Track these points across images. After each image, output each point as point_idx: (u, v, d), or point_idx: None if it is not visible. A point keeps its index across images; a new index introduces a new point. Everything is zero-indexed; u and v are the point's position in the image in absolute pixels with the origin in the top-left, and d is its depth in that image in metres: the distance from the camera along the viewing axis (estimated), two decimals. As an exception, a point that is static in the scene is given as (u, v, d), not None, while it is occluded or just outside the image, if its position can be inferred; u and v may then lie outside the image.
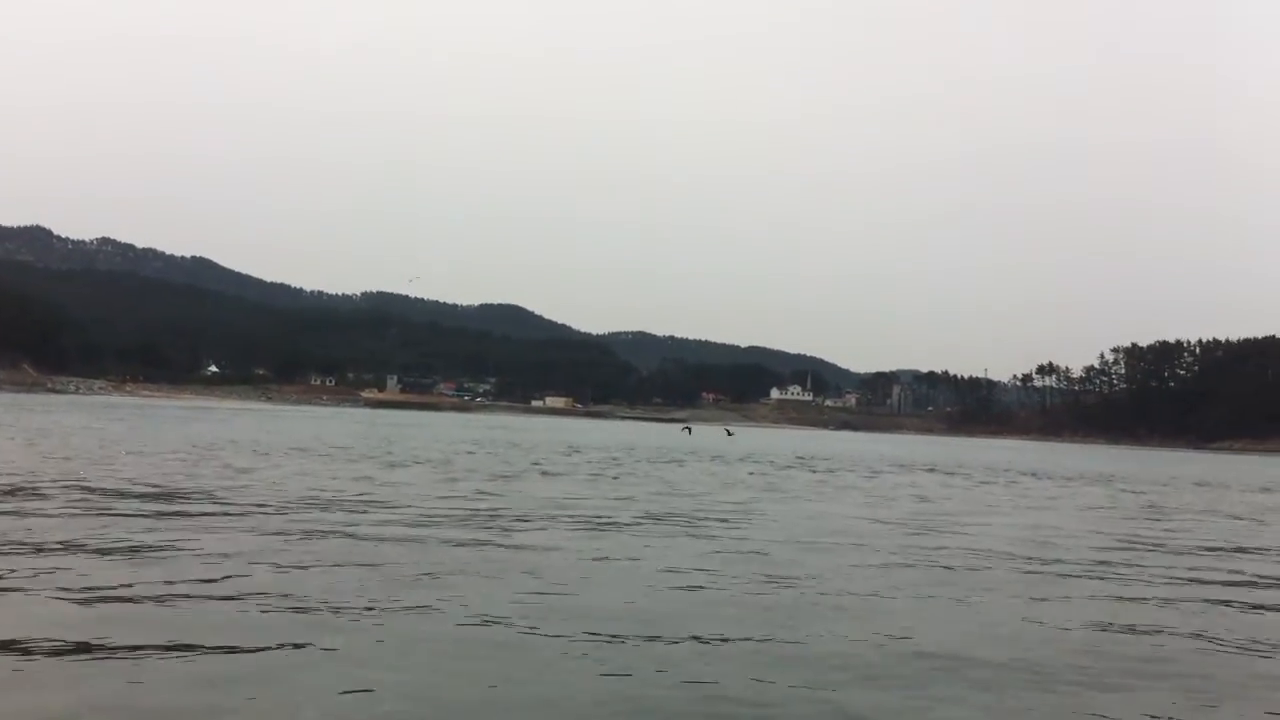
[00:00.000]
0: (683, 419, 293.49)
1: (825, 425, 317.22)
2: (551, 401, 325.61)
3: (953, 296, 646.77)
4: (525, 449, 63.37)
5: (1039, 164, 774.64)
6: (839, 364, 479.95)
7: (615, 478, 39.96)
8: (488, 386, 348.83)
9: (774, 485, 40.43)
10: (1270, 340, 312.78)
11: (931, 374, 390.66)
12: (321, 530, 19.31)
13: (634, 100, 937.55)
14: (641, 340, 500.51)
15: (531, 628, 12.06)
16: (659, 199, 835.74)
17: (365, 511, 22.92)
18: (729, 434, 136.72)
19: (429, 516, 22.51)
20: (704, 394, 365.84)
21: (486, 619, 12.36)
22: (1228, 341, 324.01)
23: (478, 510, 24.48)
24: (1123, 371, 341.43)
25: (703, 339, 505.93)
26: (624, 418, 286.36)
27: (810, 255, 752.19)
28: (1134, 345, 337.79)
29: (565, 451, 62.84)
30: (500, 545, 18.67)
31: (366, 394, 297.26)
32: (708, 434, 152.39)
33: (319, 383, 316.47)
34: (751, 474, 47.83)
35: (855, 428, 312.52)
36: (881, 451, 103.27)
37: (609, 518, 24.37)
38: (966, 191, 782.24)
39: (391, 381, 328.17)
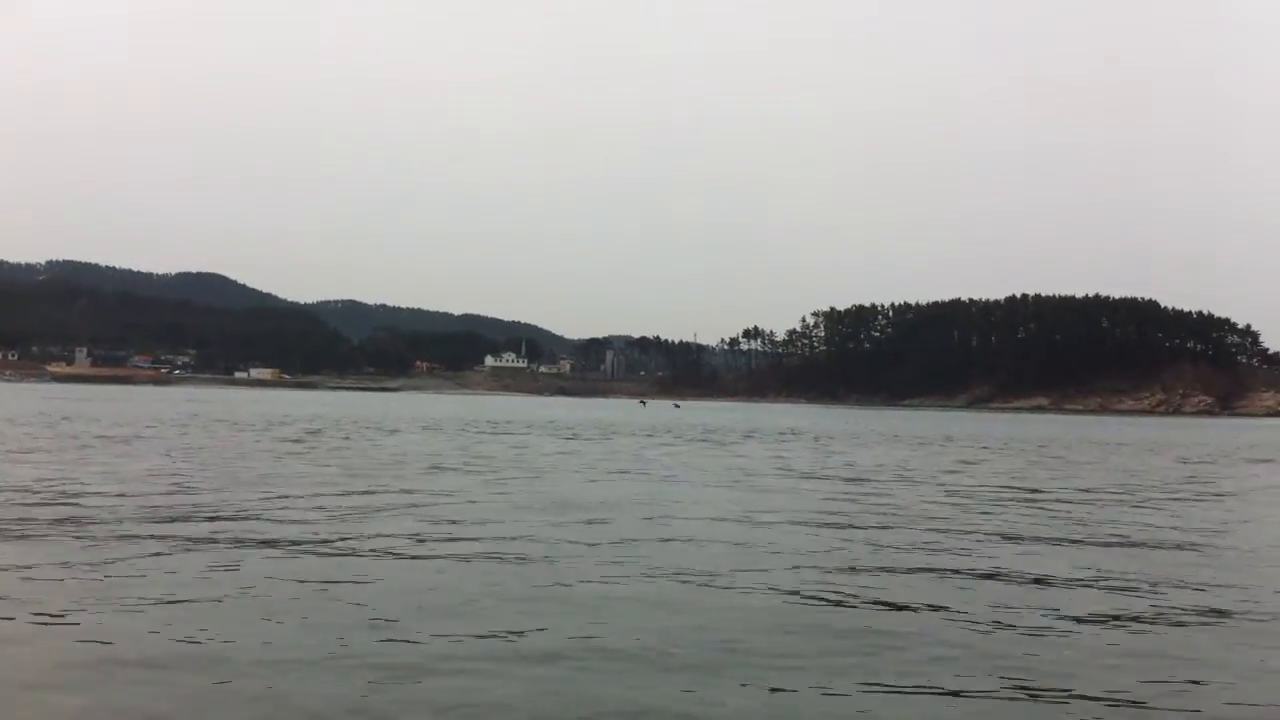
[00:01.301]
0: (396, 388, 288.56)
1: (541, 392, 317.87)
2: (257, 373, 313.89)
3: (663, 262, 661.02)
4: (221, 423, 59.48)
5: (745, 137, 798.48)
6: (554, 331, 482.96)
7: (305, 452, 37.40)
8: (187, 359, 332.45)
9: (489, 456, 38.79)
10: (956, 303, 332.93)
11: (644, 339, 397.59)
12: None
13: (345, 60, 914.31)
14: (352, 309, 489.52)
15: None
16: (364, 157, 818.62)
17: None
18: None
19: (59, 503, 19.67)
20: (418, 363, 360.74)
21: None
22: (918, 305, 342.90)
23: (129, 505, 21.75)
24: (823, 334, 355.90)
25: (416, 307, 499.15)
26: (335, 388, 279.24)
27: (523, 220, 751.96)
28: (833, 309, 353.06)
29: (273, 423, 59.32)
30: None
31: (54, 368, 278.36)
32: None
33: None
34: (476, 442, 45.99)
35: (570, 394, 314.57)
36: (596, 417, 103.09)
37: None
38: (676, 159, 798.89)
39: (81, 355, 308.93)
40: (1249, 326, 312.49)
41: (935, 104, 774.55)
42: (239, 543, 15.30)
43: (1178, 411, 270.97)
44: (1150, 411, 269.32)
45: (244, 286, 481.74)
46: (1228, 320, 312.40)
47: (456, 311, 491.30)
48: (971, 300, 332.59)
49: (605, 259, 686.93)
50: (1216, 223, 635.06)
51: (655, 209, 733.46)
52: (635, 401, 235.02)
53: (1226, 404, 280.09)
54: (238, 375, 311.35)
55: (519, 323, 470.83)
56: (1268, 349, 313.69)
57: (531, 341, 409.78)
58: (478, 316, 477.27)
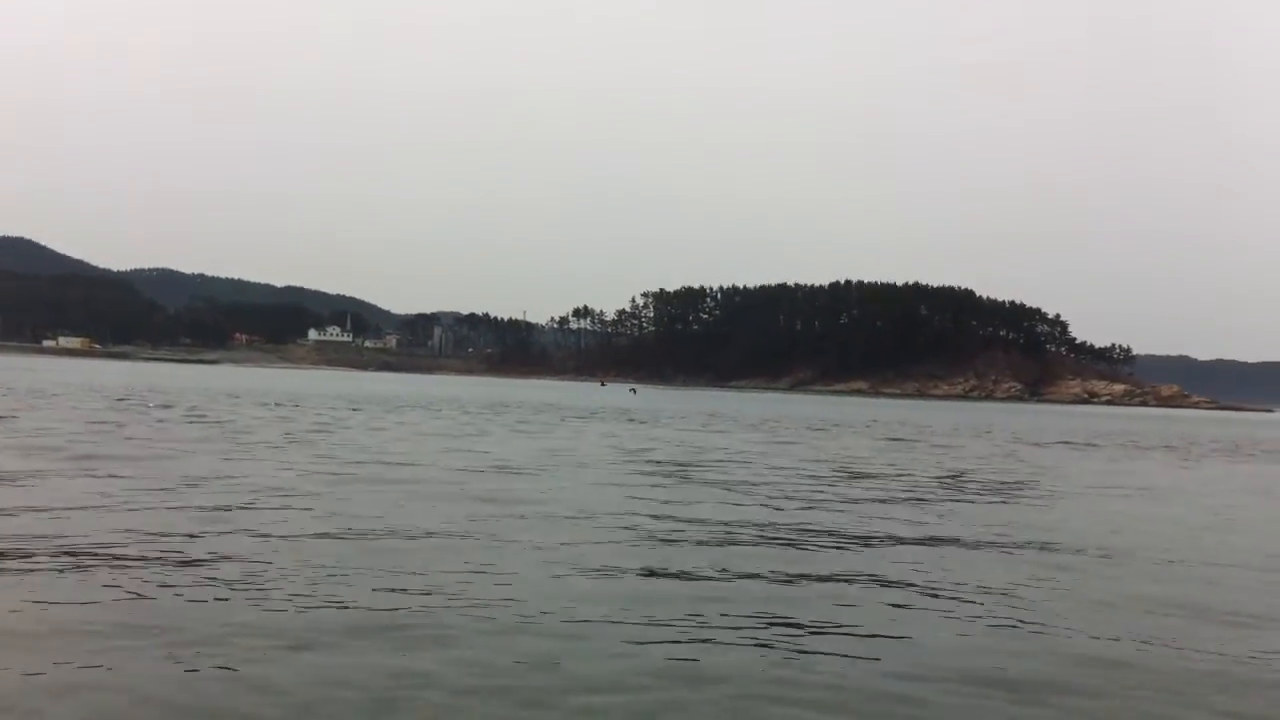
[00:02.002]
0: (214, 360, 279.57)
1: (365, 367, 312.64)
2: (66, 341, 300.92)
3: (494, 237, 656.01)
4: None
5: (578, 108, 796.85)
6: (380, 305, 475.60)
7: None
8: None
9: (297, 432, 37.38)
10: (782, 287, 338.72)
11: (473, 316, 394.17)
12: None
13: (154, 19, 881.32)
14: (168, 277, 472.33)
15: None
16: (181, 121, 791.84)
17: None
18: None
19: None
20: (237, 335, 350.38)
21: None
22: (745, 288, 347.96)
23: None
24: (652, 315, 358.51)
25: (236, 277, 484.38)
26: (148, 359, 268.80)
27: (349, 190, 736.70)
28: (662, 290, 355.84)
29: (78, 391, 56.31)
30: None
31: None
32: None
33: None
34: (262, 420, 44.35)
35: (396, 369, 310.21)
36: (433, 392, 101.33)
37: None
38: (510, 129, 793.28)
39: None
40: (1058, 316, 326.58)
41: (761, 89, 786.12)
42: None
43: (990, 396, 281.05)
44: (964, 396, 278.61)
45: (53, 252, 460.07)
46: (1039, 310, 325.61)
47: (279, 283, 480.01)
48: (798, 285, 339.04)
49: (434, 233, 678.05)
50: (1033, 216, 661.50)
51: (486, 181, 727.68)
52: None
53: (1035, 390, 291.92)
54: (45, 344, 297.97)
55: (344, 296, 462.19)
56: (1075, 338, 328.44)
57: (357, 315, 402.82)
58: (301, 289, 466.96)
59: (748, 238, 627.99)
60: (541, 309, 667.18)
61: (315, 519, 15.56)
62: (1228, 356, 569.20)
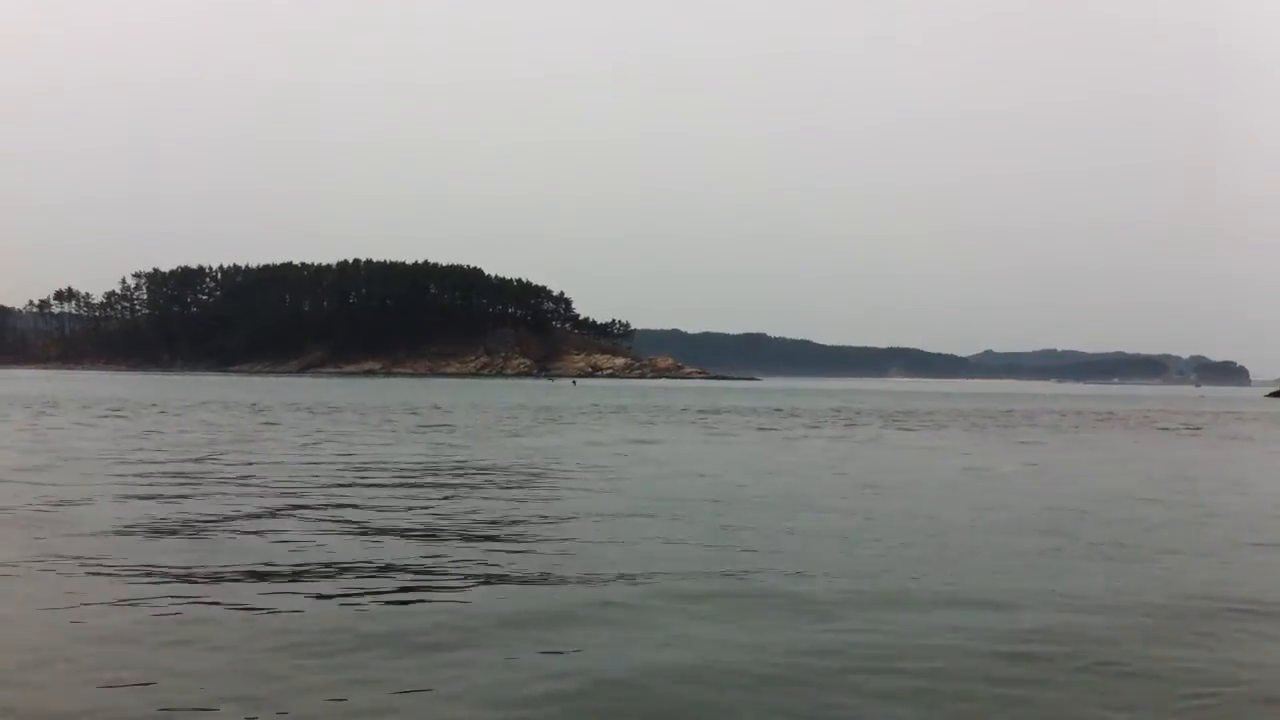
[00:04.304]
0: None
1: None
2: None
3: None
4: None
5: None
6: None
7: None
8: None
9: None
10: (288, 266, 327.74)
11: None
12: None
13: None
14: None
15: None
16: None
17: None
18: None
19: None
20: None
21: None
22: (248, 268, 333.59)
23: None
24: (145, 297, 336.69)
25: None
26: None
27: None
28: (156, 270, 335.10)
29: None
30: None
31: None
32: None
33: None
34: None
35: None
36: None
37: None
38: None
39: None
40: (562, 294, 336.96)
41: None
42: None
43: (500, 373, 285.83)
44: (476, 373, 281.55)
45: None
46: (545, 288, 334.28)
47: None
48: (304, 264, 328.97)
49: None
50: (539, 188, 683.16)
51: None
52: None
53: (544, 366, 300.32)
54: None
55: None
56: (579, 315, 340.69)
57: None
58: None
59: (250, 216, 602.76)
60: (17, 292, 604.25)
61: None
62: (714, 330, 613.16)
